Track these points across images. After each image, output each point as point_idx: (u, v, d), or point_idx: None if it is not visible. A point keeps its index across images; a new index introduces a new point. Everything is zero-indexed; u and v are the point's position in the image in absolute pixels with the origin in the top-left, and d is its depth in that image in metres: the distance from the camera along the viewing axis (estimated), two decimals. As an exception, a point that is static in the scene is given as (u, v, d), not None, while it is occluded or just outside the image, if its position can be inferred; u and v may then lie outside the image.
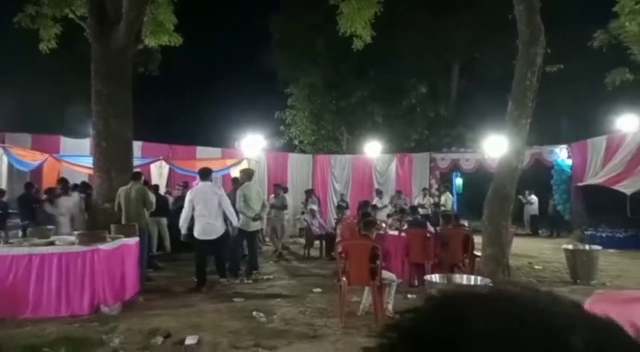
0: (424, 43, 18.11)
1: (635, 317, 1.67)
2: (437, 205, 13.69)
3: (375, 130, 17.89)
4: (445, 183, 16.03)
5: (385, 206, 12.69)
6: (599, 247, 8.05)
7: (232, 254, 7.83)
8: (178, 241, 10.08)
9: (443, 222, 8.06)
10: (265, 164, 14.84)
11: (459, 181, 19.54)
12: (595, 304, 1.74)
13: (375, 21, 9.94)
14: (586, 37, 11.80)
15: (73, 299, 5.57)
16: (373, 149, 16.29)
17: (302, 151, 18.64)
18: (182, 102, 20.93)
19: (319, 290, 6.94)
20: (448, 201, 14.42)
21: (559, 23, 9.98)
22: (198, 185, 7.34)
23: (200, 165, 12.70)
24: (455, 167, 16.71)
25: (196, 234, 6.99)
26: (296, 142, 19.32)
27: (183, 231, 7.08)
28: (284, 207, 10.42)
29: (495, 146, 12.62)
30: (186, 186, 11.22)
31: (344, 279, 5.44)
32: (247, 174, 8.18)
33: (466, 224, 9.88)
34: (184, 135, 15.44)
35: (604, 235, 12.01)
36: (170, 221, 9.79)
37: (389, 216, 10.77)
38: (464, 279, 5.12)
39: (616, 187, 12.46)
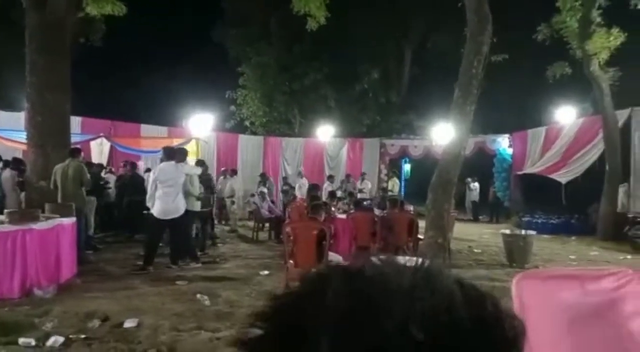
0: (378, 27, 18.16)
1: (555, 289, 1.95)
2: (384, 190, 13.94)
3: (328, 114, 17.90)
4: (393, 169, 16.34)
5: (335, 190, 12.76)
6: (534, 233, 8.49)
7: (187, 239, 7.61)
8: (129, 221, 9.72)
9: (389, 207, 8.24)
10: (215, 145, 14.50)
11: (407, 167, 20.00)
12: (523, 280, 1.97)
13: (331, 2, 9.82)
14: (531, 30, 12.26)
15: (2, 281, 5.27)
16: (325, 133, 16.32)
17: (254, 133, 18.36)
18: (126, 76, 19.89)
19: (266, 272, 6.91)
20: (395, 186, 14.76)
21: (506, 14, 10.26)
22: (161, 164, 7.28)
23: (144, 143, 12.24)
24: (404, 153, 17.07)
25: (156, 213, 6.90)
26: (247, 123, 19.00)
27: (151, 209, 7.05)
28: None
29: (442, 134, 12.94)
30: (128, 166, 10.74)
31: (290, 261, 5.43)
32: (183, 154, 7.83)
33: (411, 208, 10.13)
34: (127, 112, 14.78)
35: (539, 221, 12.70)
36: (113, 200, 9.41)
37: (339, 199, 10.86)
38: (406, 261, 5.25)
39: (553, 176, 13.18)
